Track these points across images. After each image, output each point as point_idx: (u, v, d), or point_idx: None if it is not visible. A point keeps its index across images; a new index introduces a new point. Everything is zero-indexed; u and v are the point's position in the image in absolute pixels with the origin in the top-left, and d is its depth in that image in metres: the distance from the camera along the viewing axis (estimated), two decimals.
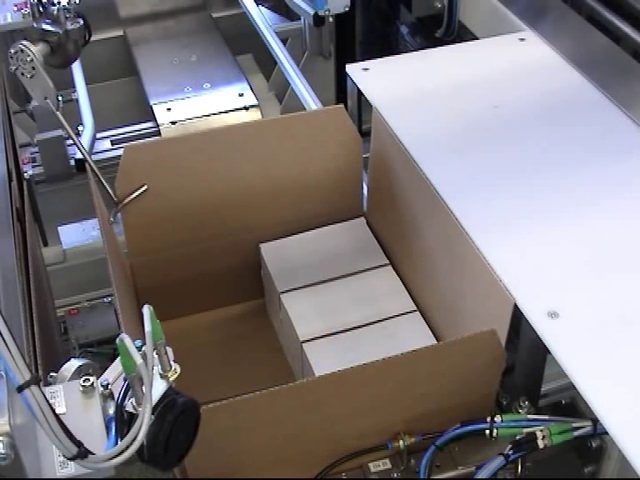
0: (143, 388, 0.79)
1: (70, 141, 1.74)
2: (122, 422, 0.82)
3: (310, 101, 1.81)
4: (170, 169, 1.41)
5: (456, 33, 1.78)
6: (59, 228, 1.88)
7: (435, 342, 1.32)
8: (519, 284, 1.08)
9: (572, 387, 0.96)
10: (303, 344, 1.33)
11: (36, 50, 1.40)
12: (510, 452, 1.08)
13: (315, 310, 1.39)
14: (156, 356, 0.83)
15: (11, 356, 0.71)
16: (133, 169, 1.38)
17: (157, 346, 0.82)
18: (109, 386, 0.85)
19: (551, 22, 1.53)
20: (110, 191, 1.40)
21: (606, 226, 1.15)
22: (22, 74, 1.41)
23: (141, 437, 0.78)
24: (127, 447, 0.78)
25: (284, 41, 2.10)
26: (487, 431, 1.10)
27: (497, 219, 1.18)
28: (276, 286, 1.44)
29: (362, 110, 1.72)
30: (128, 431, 0.79)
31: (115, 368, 0.86)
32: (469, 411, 1.13)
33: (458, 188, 1.23)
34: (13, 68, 1.41)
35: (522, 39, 1.54)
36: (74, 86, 2.00)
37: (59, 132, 1.74)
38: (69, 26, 1.48)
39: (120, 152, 1.39)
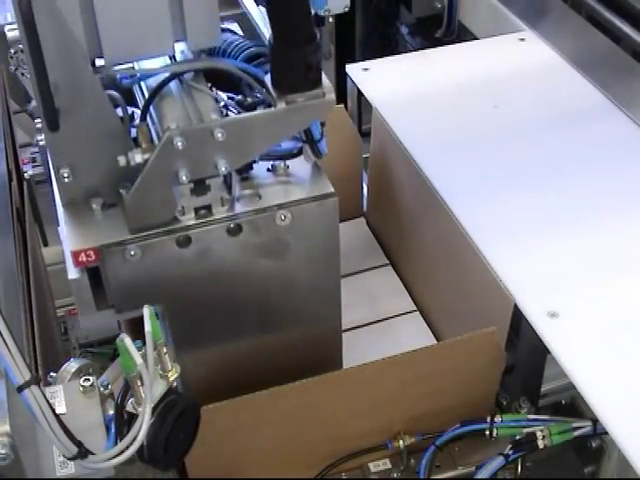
0: (143, 388, 0.79)
1: None
2: (122, 422, 0.82)
3: None
4: None
5: (456, 33, 1.78)
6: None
7: (435, 342, 1.32)
8: (519, 284, 1.08)
9: (572, 387, 0.96)
10: None
11: None
12: (510, 452, 1.08)
13: None
14: (156, 356, 0.83)
15: (11, 356, 0.71)
16: None
17: (157, 346, 0.82)
18: (109, 386, 0.85)
19: (551, 22, 1.53)
20: None
21: (606, 226, 1.15)
22: (22, 74, 1.41)
23: (141, 437, 0.78)
24: (127, 447, 0.78)
25: None
26: (487, 431, 1.10)
27: (497, 219, 1.18)
28: None
29: (362, 110, 1.71)
30: (128, 431, 0.79)
31: (115, 368, 0.86)
32: (469, 411, 1.12)
33: (458, 188, 1.23)
34: (13, 68, 1.41)
35: (522, 39, 1.54)
36: None
37: None
38: None
39: None
